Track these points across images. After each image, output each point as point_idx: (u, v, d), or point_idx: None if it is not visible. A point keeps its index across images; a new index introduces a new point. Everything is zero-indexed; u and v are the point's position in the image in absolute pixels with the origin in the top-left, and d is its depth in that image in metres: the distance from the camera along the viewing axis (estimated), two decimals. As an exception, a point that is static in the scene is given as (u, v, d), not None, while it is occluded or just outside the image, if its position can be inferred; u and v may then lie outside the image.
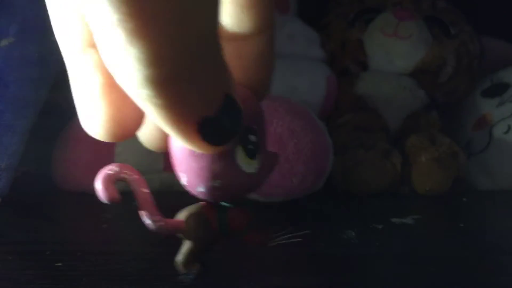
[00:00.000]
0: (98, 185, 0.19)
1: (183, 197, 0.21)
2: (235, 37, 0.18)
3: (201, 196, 0.20)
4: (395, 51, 0.51)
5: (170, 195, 0.28)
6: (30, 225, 0.33)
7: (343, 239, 0.30)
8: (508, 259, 0.28)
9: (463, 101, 0.55)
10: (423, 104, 0.52)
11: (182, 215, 0.22)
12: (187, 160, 0.19)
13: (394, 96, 0.50)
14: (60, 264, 0.25)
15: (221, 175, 0.19)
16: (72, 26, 0.17)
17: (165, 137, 0.19)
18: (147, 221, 0.20)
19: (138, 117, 0.18)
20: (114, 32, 0.12)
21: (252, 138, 0.19)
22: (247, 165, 0.19)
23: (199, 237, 0.21)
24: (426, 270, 0.25)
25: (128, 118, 0.18)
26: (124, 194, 0.21)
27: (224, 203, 0.22)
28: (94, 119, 0.18)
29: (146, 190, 0.20)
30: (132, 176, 0.20)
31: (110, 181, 0.19)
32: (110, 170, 0.19)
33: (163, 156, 0.42)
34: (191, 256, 0.21)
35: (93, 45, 0.17)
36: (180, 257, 0.21)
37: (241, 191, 0.20)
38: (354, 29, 0.53)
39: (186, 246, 0.21)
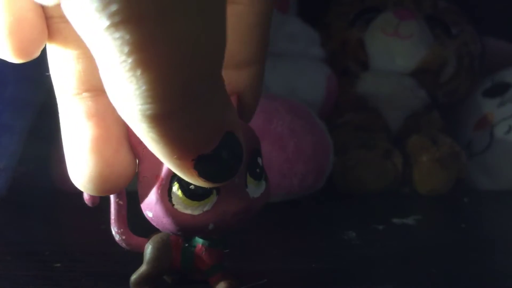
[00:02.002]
0: None
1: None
2: (227, 65, 0.17)
3: None
4: (396, 51, 0.51)
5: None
6: (29, 226, 0.33)
7: (343, 240, 0.30)
8: (509, 259, 0.28)
9: (464, 101, 0.55)
10: (424, 104, 0.52)
11: (150, 237, 0.22)
12: (138, 184, 0.19)
13: (395, 96, 0.50)
14: (59, 264, 0.25)
15: (151, 208, 0.19)
16: (69, 66, 0.17)
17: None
18: (113, 231, 0.21)
19: (128, 174, 0.18)
20: (118, 67, 0.12)
21: None
22: (184, 205, 0.19)
23: (153, 263, 0.21)
24: (427, 271, 0.25)
25: (118, 175, 0.17)
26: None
27: (199, 238, 0.21)
28: (82, 172, 0.17)
29: (121, 202, 0.20)
30: None
31: None
32: None
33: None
34: (143, 279, 0.21)
35: (88, 90, 0.17)
36: (133, 276, 0.21)
37: (177, 229, 0.19)
38: (354, 29, 0.53)
39: (142, 267, 0.21)
